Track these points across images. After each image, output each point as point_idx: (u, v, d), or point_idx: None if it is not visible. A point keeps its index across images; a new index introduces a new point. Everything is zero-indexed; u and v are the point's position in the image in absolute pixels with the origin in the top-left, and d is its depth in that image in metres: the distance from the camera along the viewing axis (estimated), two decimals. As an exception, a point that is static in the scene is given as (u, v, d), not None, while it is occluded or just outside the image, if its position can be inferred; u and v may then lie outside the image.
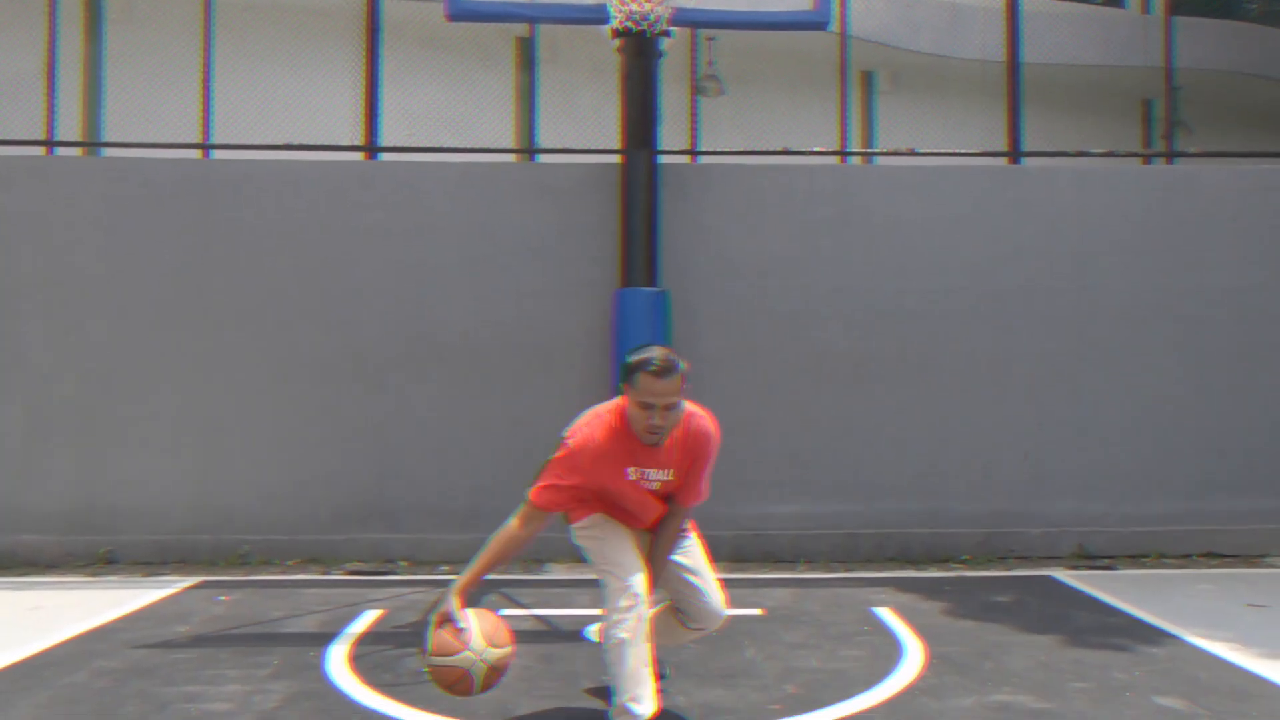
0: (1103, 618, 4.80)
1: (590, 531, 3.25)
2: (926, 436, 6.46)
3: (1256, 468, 6.50)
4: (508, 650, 3.02)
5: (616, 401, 3.18)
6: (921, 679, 3.84)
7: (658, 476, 3.17)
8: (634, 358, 3.04)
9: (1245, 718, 3.41)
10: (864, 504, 6.41)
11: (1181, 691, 3.68)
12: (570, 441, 3.13)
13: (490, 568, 3.11)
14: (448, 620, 2.97)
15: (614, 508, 3.24)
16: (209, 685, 3.76)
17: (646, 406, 3.01)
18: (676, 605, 3.37)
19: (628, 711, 3.02)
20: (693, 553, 3.36)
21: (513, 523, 3.16)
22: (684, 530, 3.35)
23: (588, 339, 6.37)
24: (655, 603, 3.29)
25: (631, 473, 3.14)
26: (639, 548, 3.23)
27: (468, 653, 2.92)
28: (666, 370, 2.99)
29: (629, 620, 3.05)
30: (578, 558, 6.25)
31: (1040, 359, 6.50)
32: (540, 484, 3.14)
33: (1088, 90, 10.23)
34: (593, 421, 3.16)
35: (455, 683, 2.94)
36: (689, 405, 3.20)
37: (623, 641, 3.04)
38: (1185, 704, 3.54)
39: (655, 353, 3.02)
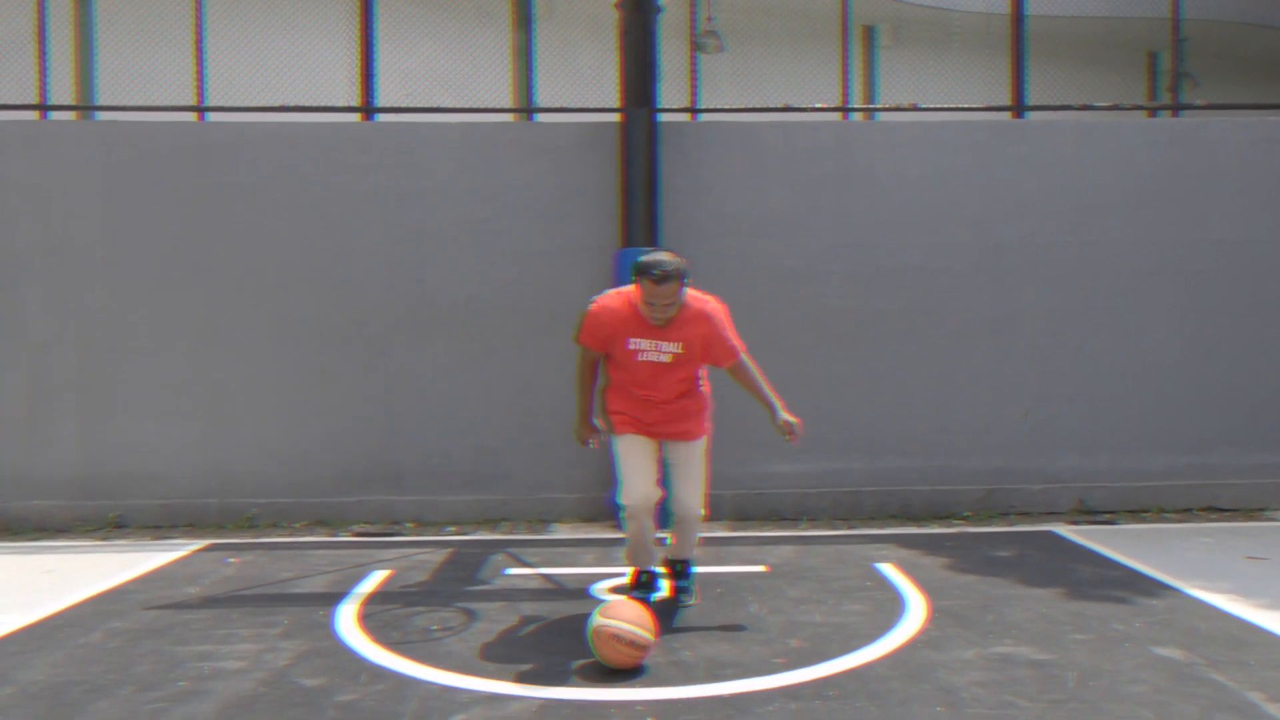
0: (1103, 571, 4.85)
1: (619, 443, 4.14)
2: (928, 393, 6.48)
3: (1257, 422, 6.52)
4: (648, 632, 3.51)
5: (633, 286, 3.94)
6: (924, 632, 3.89)
7: (669, 348, 3.95)
8: (643, 259, 3.81)
9: (1243, 666, 3.46)
10: (866, 461, 6.45)
11: (1180, 642, 3.73)
12: (592, 306, 4.03)
13: (586, 400, 4.14)
14: (593, 433, 4.16)
15: (632, 378, 4.00)
16: (221, 644, 3.81)
17: (648, 303, 3.82)
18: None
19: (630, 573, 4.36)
20: (689, 459, 4.14)
21: (580, 365, 4.12)
22: (755, 379, 4.10)
23: (588, 299, 6.34)
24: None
25: (637, 342, 3.93)
26: (651, 465, 4.07)
27: (624, 624, 3.48)
28: (664, 278, 3.76)
29: (629, 525, 4.10)
30: (582, 518, 6.32)
31: (1042, 314, 6.49)
32: (583, 334, 4.06)
33: (1092, 43, 10.08)
34: (612, 295, 4.04)
35: (620, 651, 3.48)
36: (692, 293, 3.98)
37: (628, 537, 4.21)
38: (1183, 654, 3.60)
39: (657, 259, 3.79)
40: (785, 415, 4.02)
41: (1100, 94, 7.26)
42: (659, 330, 3.92)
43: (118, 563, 5.22)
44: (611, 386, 4.16)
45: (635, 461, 4.05)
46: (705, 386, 4.21)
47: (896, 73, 10.03)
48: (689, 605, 4.27)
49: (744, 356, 4.08)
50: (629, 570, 4.40)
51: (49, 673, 3.52)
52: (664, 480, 4.15)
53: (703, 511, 4.19)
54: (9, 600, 4.50)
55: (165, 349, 6.28)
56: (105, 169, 6.29)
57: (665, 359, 3.95)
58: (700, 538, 4.48)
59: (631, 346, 3.95)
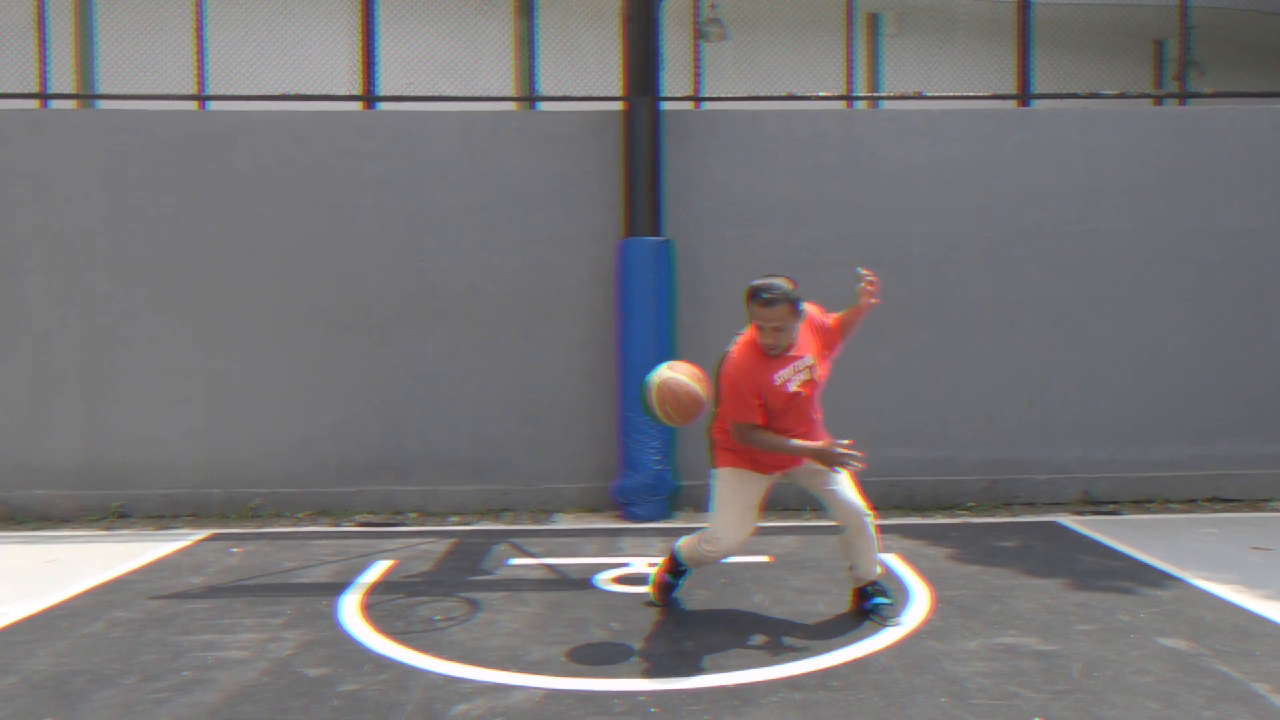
0: (1107, 561, 4.83)
1: (723, 480, 3.90)
2: (932, 383, 6.46)
3: (1262, 412, 6.49)
4: (694, 383, 3.67)
5: (746, 334, 3.80)
6: (928, 622, 3.88)
7: (806, 364, 3.79)
8: (752, 284, 3.69)
9: (1248, 657, 3.45)
10: (869, 451, 6.31)
11: (1185, 632, 3.72)
12: (737, 377, 3.72)
13: (794, 444, 3.77)
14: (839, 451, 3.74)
15: (783, 420, 3.77)
16: (224, 634, 3.81)
17: (759, 328, 3.68)
18: (831, 512, 3.99)
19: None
20: (840, 480, 3.93)
21: (759, 438, 3.74)
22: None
23: (591, 289, 6.34)
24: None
25: (780, 376, 3.72)
26: (755, 510, 3.88)
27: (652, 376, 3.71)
28: (772, 302, 3.62)
29: (719, 554, 3.89)
30: (585, 508, 6.32)
31: (1046, 304, 6.46)
32: (740, 410, 3.73)
33: (1098, 30, 10.00)
34: (741, 356, 3.76)
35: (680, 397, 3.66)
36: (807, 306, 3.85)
37: (708, 557, 3.91)
38: (1189, 644, 3.58)
39: (766, 284, 3.65)
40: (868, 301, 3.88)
41: (1107, 82, 7.20)
42: (785, 358, 3.73)
43: (121, 552, 5.23)
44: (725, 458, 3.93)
45: (740, 501, 3.83)
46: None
47: (901, 61, 9.95)
48: (893, 622, 3.88)
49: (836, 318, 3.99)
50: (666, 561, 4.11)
51: (52, 662, 3.53)
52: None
53: (870, 513, 3.95)
54: (12, 590, 4.51)
55: (167, 337, 6.27)
56: (106, 157, 6.27)
57: (811, 365, 3.79)
58: (880, 542, 4.10)
59: (778, 381, 3.72)
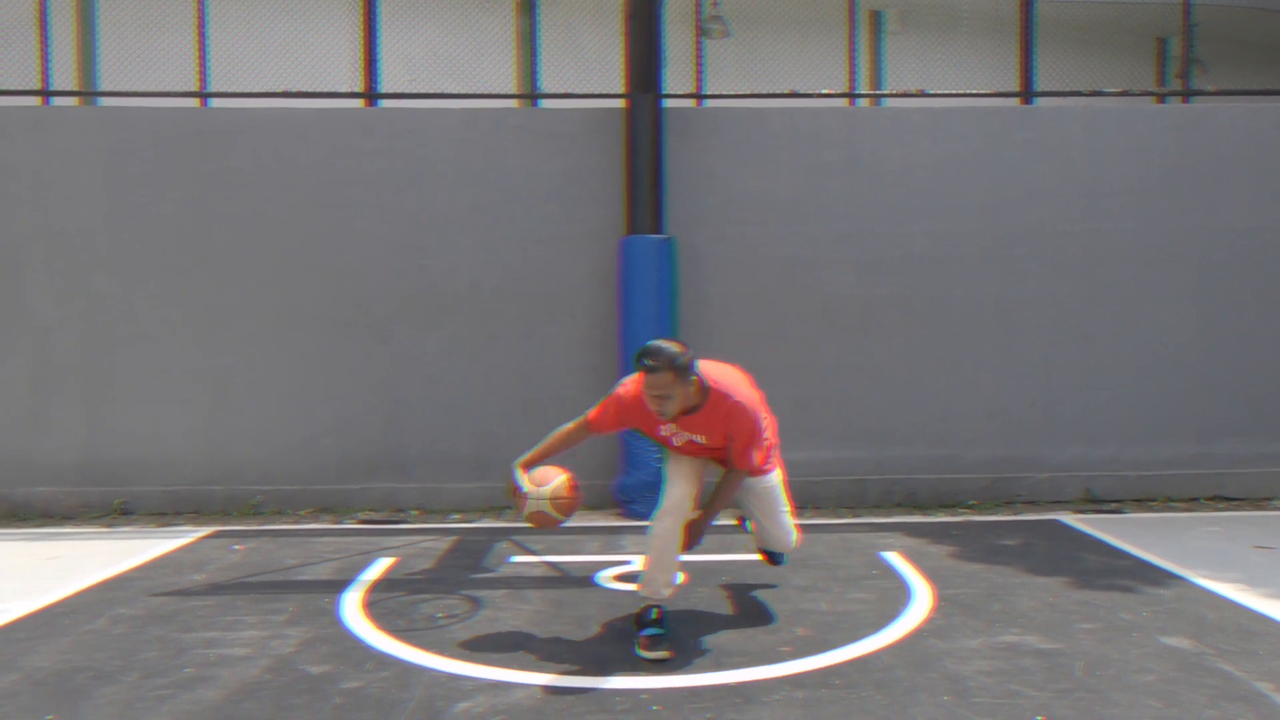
0: (1110, 560, 4.83)
1: (666, 454, 3.86)
2: (934, 382, 6.45)
3: (1265, 411, 6.49)
4: (558, 482, 3.69)
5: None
6: (930, 621, 3.88)
7: (691, 437, 3.66)
8: (639, 349, 3.49)
9: (1251, 656, 3.44)
10: (871, 450, 6.43)
11: (1188, 631, 3.71)
12: (618, 389, 3.72)
13: (545, 455, 3.81)
14: (515, 490, 3.69)
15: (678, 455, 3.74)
16: (226, 631, 3.81)
17: (643, 393, 3.52)
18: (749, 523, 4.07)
19: (640, 592, 3.69)
20: (765, 490, 3.86)
21: (570, 426, 3.82)
22: (741, 484, 3.77)
23: (593, 286, 6.34)
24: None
25: (665, 429, 3.66)
26: (697, 473, 3.72)
27: (531, 500, 3.66)
28: (654, 369, 3.42)
29: (655, 530, 3.63)
30: (586, 506, 6.31)
31: (1048, 302, 6.45)
32: (597, 409, 3.76)
33: (1101, 28, 9.98)
34: (631, 381, 3.68)
35: (541, 523, 3.69)
36: (722, 383, 3.59)
37: (649, 544, 3.65)
38: (1191, 643, 3.58)
39: (651, 350, 3.44)
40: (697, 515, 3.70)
41: (1109, 80, 7.18)
42: (682, 420, 3.59)
43: (123, 549, 5.23)
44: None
45: (677, 468, 3.71)
46: (771, 435, 3.90)
47: (903, 58, 9.94)
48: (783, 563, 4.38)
49: (757, 475, 3.76)
50: (642, 601, 3.66)
51: (55, 659, 3.53)
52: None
53: (796, 543, 4.03)
54: (15, 587, 4.51)
55: (169, 335, 6.27)
56: (108, 155, 6.27)
57: (700, 441, 3.65)
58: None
59: (664, 433, 3.69)
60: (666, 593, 3.64)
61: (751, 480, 3.79)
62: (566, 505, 3.69)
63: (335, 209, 6.31)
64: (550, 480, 3.70)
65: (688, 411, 3.56)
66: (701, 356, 4.32)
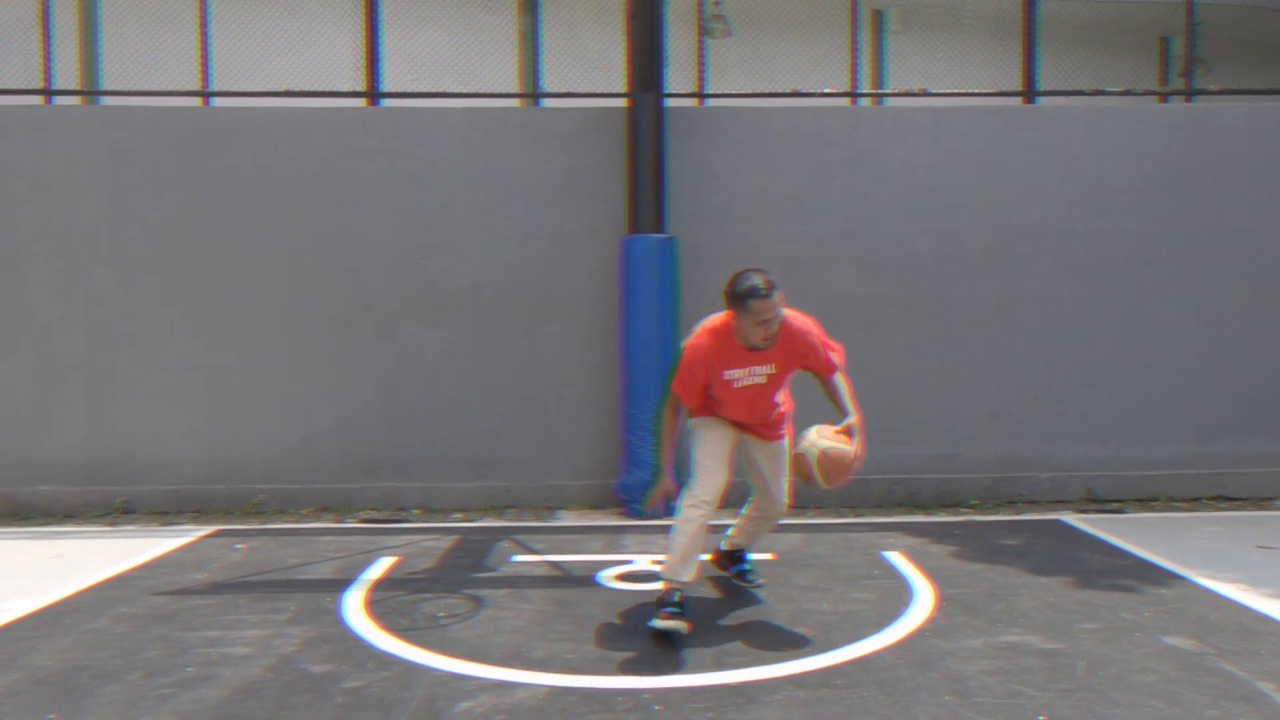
0: (1111, 560, 4.83)
1: (699, 430, 3.91)
2: (935, 381, 6.45)
3: (1267, 411, 6.48)
4: (842, 445, 3.67)
5: (721, 316, 3.78)
6: (931, 620, 3.88)
7: (762, 370, 3.78)
8: (741, 286, 3.61)
9: (1253, 656, 3.44)
10: (873, 449, 6.36)
11: (1189, 631, 3.71)
12: (685, 352, 3.77)
13: (671, 447, 3.88)
14: (669, 492, 3.82)
15: (726, 408, 3.85)
16: (228, 630, 3.82)
17: (762, 323, 3.61)
18: (755, 495, 4.17)
19: (664, 574, 3.79)
20: (777, 455, 4.03)
21: (665, 412, 3.88)
22: (840, 389, 3.90)
23: (595, 286, 6.34)
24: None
25: (732, 373, 3.74)
26: (730, 459, 3.87)
27: (804, 444, 3.71)
28: (767, 293, 3.59)
29: (690, 515, 3.74)
30: (588, 505, 6.32)
31: (1050, 302, 6.45)
32: (675, 380, 3.81)
33: (1104, 27, 9.96)
34: (700, 333, 3.78)
35: (800, 468, 3.71)
36: (788, 310, 3.79)
37: (680, 529, 3.75)
38: (1193, 643, 3.58)
39: (757, 280, 3.60)
40: (849, 420, 3.77)
41: (1112, 79, 7.18)
42: (755, 355, 3.74)
43: (125, 548, 5.23)
44: (704, 414, 3.95)
45: (716, 447, 3.85)
46: (787, 400, 4.08)
47: (906, 58, 9.93)
48: (760, 584, 4.36)
49: (839, 373, 3.92)
50: (663, 581, 3.79)
51: (57, 658, 3.53)
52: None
53: (788, 501, 4.16)
54: (17, 586, 4.51)
55: (170, 334, 6.28)
56: (109, 154, 6.27)
57: (760, 381, 3.79)
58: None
59: (727, 377, 3.76)
60: (689, 577, 3.76)
61: (770, 443, 4.00)
62: (832, 470, 3.65)
63: (337, 208, 6.32)
64: (836, 440, 3.69)
65: (767, 341, 3.68)
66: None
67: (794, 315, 3.82)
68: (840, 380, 3.90)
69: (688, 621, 3.70)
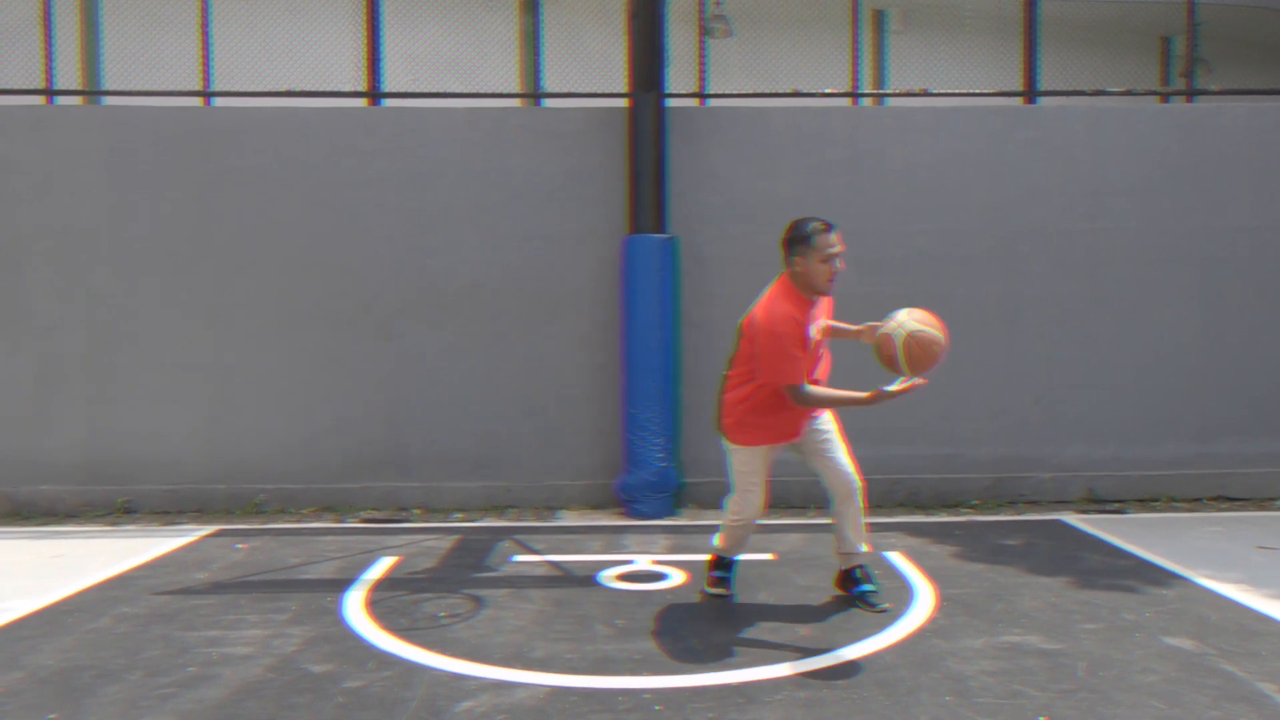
0: (1112, 560, 4.82)
1: (745, 462, 3.93)
2: (936, 381, 6.34)
3: (1268, 411, 6.47)
4: (933, 330, 3.60)
5: (774, 287, 3.79)
6: (932, 621, 3.88)
7: (819, 324, 3.81)
8: (803, 229, 3.69)
9: (1254, 656, 3.44)
10: (873, 449, 6.40)
11: (1190, 631, 3.71)
12: (777, 327, 3.65)
13: (842, 395, 3.78)
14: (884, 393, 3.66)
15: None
16: (229, 630, 3.82)
17: (830, 259, 3.67)
18: (822, 482, 4.04)
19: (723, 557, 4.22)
20: (828, 429, 4.01)
21: (813, 396, 3.74)
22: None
23: (596, 285, 6.34)
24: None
25: (812, 330, 3.74)
26: (769, 481, 3.97)
27: (891, 324, 3.58)
28: (831, 228, 3.69)
29: (741, 527, 4.04)
30: (589, 505, 6.32)
31: (1051, 302, 6.44)
32: (792, 365, 3.66)
33: (1105, 27, 9.96)
34: (777, 304, 3.71)
35: (883, 351, 3.60)
36: None
37: (735, 532, 4.08)
38: (1194, 644, 3.58)
39: (814, 219, 3.70)
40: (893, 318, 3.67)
41: (1113, 79, 7.17)
42: (811, 306, 3.77)
43: (127, 548, 5.24)
44: (758, 398, 3.84)
45: (761, 476, 3.96)
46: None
47: (907, 58, 9.93)
48: (886, 608, 3.98)
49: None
50: (717, 556, 4.24)
51: (58, 657, 3.54)
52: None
53: (860, 484, 4.03)
54: (18, 585, 4.52)
55: (171, 333, 6.28)
56: (111, 153, 6.28)
57: (818, 337, 3.81)
58: (868, 524, 4.17)
59: (809, 331, 3.75)
60: (738, 554, 4.26)
61: (812, 424, 3.96)
62: (917, 353, 3.57)
63: (338, 208, 6.32)
64: (926, 322, 3.62)
65: (832, 282, 3.73)
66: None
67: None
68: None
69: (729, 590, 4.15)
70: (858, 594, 4.09)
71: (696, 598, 4.23)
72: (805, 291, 3.75)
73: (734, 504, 4.01)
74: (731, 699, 3.11)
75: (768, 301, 3.76)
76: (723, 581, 4.24)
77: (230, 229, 6.30)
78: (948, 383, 6.44)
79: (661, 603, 4.15)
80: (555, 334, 6.33)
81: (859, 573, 4.13)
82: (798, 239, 3.70)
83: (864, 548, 4.09)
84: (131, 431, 6.26)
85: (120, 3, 7.32)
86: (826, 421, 4.02)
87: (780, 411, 3.83)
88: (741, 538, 4.13)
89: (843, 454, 4.01)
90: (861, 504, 4.04)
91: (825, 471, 3.99)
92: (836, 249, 3.69)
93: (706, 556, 4.84)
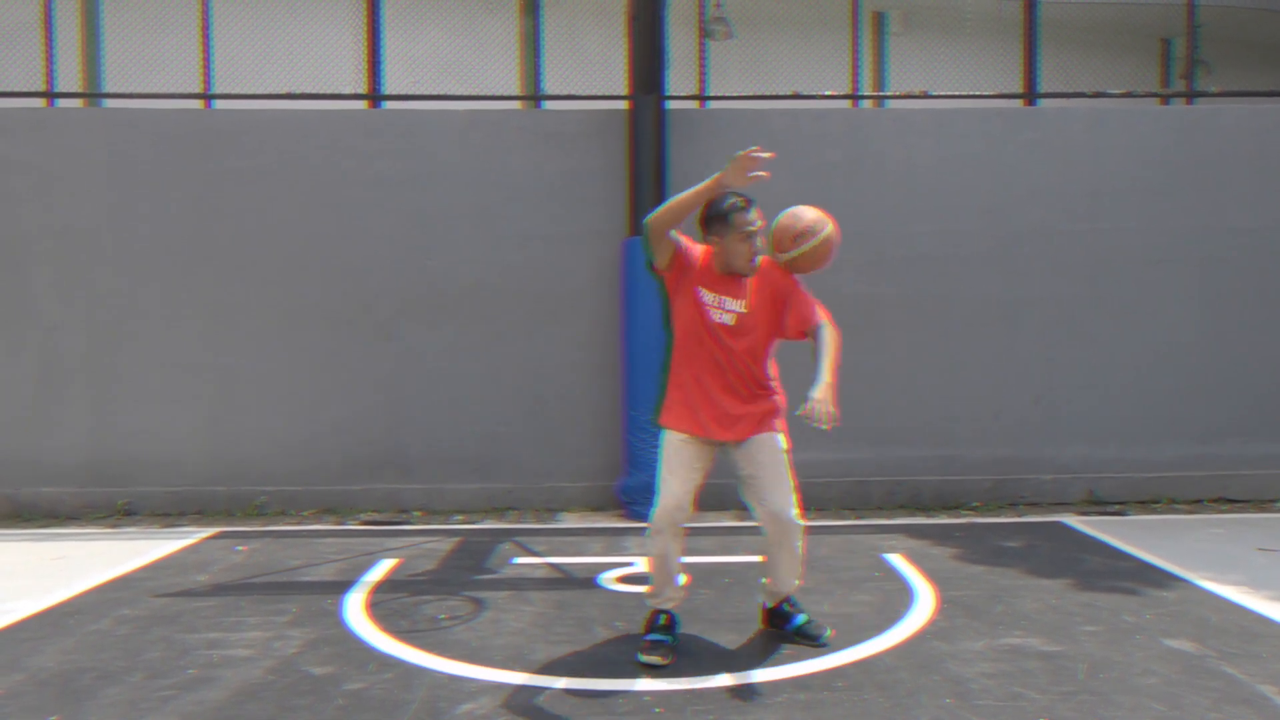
0: (1113, 562, 4.82)
1: (667, 447, 3.57)
2: (937, 382, 6.44)
3: (1269, 412, 6.47)
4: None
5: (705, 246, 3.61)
6: (933, 623, 3.88)
7: (733, 307, 3.53)
8: (720, 207, 3.53)
9: (1255, 658, 3.44)
10: (874, 451, 6.42)
11: (1191, 634, 3.71)
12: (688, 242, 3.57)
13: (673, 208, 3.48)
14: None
15: (698, 359, 3.54)
16: (230, 632, 3.82)
17: (750, 236, 3.53)
18: (758, 518, 3.60)
19: (648, 601, 3.64)
20: (769, 456, 3.57)
21: (660, 212, 3.51)
22: (827, 347, 3.58)
23: (596, 287, 6.34)
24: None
25: (705, 294, 3.52)
26: (689, 467, 3.52)
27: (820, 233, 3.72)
28: (750, 205, 3.55)
29: (649, 548, 3.55)
30: (590, 507, 6.32)
31: (1052, 303, 6.45)
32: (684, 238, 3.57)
33: (1105, 29, 9.96)
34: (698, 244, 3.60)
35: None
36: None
37: (649, 547, 3.55)
38: (1194, 646, 3.58)
39: (733, 196, 3.53)
40: (814, 393, 3.33)
41: (1113, 81, 7.18)
42: (730, 283, 3.51)
43: (127, 550, 5.24)
44: (674, 370, 3.58)
45: (680, 469, 3.50)
46: (777, 385, 3.71)
47: (907, 59, 9.93)
48: (828, 640, 3.62)
49: (826, 322, 3.61)
50: (649, 611, 3.63)
51: (59, 659, 3.54)
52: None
53: (800, 520, 3.56)
54: (20, 587, 4.52)
55: (172, 334, 6.29)
56: (112, 155, 6.28)
57: (729, 321, 3.48)
58: (803, 566, 3.74)
59: (700, 296, 3.50)
60: (671, 603, 3.59)
61: (753, 442, 3.53)
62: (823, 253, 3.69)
63: (339, 209, 6.33)
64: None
65: (752, 264, 3.54)
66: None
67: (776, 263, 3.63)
68: (828, 335, 3.57)
69: (667, 656, 3.42)
70: (795, 629, 3.67)
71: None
72: (723, 270, 3.53)
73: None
74: (731, 701, 3.11)
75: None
76: (657, 646, 3.45)
77: (231, 230, 6.31)
78: (948, 384, 6.46)
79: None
80: (556, 335, 6.34)
81: (787, 605, 3.73)
82: (714, 216, 3.51)
83: (796, 582, 3.70)
84: (132, 432, 6.27)
85: (121, 5, 7.32)
86: (769, 452, 3.55)
87: (691, 387, 3.52)
88: (662, 564, 3.49)
89: (779, 493, 3.51)
90: (801, 547, 3.61)
91: (757, 510, 3.55)
92: (756, 225, 3.52)
93: (706, 558, 4.85)
